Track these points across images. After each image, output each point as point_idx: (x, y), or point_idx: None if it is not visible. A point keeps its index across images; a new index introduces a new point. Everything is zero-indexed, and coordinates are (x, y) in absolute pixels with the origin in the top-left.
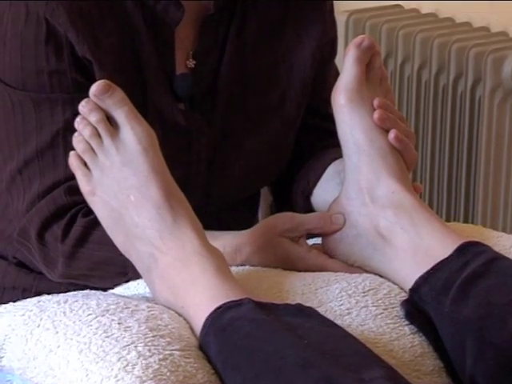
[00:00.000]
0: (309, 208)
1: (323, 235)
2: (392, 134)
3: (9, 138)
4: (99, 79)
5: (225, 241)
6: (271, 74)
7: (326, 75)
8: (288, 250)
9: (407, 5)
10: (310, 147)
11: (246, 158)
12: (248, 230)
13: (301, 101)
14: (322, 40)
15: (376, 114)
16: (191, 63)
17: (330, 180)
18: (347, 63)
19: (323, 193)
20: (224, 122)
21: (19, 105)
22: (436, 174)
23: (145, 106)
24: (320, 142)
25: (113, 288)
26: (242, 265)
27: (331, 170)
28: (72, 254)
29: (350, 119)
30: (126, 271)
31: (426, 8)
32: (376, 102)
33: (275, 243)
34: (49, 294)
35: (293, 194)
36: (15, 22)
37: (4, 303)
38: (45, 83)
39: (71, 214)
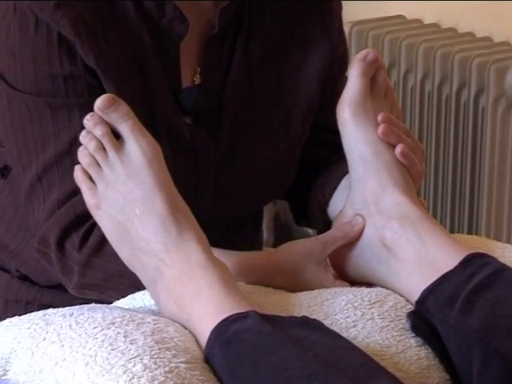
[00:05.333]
0: (326, 220)
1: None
2: (398, 149)
3: (27, 145)
4: (107, 90)
5: (239, 258)
6: (277, 91)
7: (337, 91)
8: (312, 277)
9: (410, 15)
10: (325, 161)
11: (253, 174)
12: (269, 252)
13: (306, 118)
14: (329, 58)
15: (380, 129)
16: (197, 79)
17: (345, 191)
18: (352, 77)
19: (339, 204)
20: (230, 138)
21: (36, 111)
22: (440, 185)
23: (152, 119)
24: (334, 156)
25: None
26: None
27: (346, 182)
28: (87, 263)
29: (355, 132)
30: (138, 285)
31: (428, 19)
32: (380, 117)
33: (300, 268)
34: (52, 306)
35: (309, 207)
36: (24, 31)
37: (7, 316)
38: (60, 88)
39: (90, 224)
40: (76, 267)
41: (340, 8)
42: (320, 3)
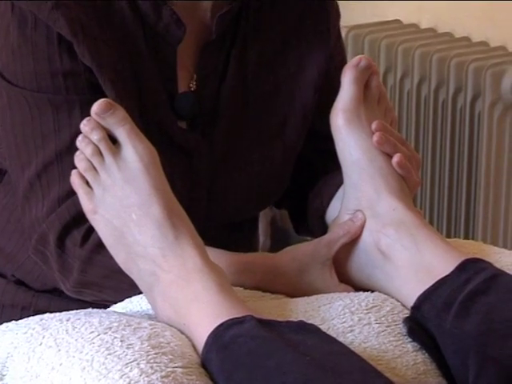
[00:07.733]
0: (324, 228)
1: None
2: (395, 159)
3: (27, 142)
4: (105, 90)
5: (243, 257)
6: (272, 99)
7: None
8: (317, 279)
9: (406, 20)
10: (323, 168)
11: (247, 180)
12: (274, 254)
13: (301, 126)
14: (325, 67)
15: (375, 138)
16: (193, 86)
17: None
18: (345, 84)
19: (337, 211)
20: (225, 145)
21: (36, 108)
22: (436, 189)
23: (146, 122)
24: (332, 163)
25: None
26: (255, 287)
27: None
28: (89, 259)
29: (349, 139)
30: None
31: (425, 23)
32: (374, 125)
33: (306, 268)
34: (48, 312)
35: (308, 214)
36: (23, 30)
37: (3, 321)
38: (60, 85)
39: None
40: (76, 264)
41: (338, 17)
42: (317, 12)
